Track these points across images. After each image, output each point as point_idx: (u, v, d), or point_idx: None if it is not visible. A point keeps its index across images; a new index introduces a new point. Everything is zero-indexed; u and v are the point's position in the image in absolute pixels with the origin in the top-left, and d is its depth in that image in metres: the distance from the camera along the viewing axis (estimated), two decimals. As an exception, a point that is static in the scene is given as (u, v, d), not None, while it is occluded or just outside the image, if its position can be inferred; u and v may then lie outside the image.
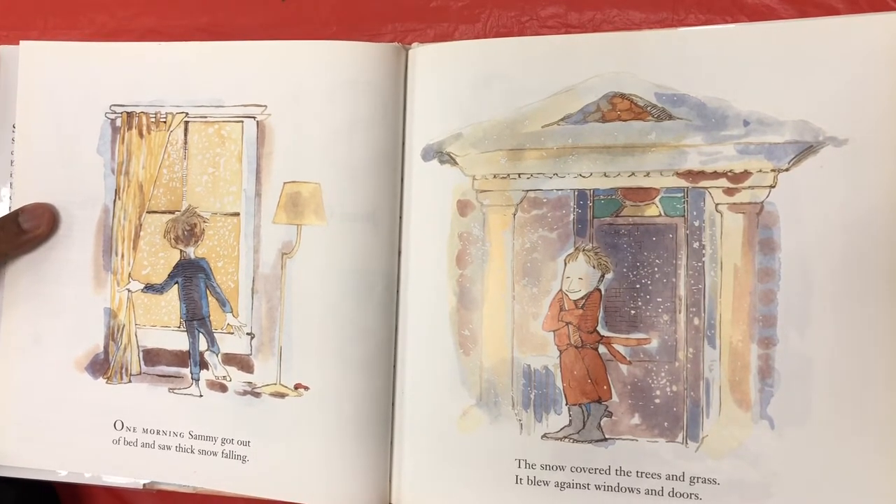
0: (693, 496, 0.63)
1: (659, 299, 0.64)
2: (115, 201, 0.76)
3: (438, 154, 0.69)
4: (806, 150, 0.61)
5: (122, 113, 0.76)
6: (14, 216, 0.74)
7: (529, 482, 0.66)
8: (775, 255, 0.62)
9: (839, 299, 0.60)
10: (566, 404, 0.66)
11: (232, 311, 0.73)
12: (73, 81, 0.76)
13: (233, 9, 0.80)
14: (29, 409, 0.76)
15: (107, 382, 0.75)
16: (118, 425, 0.75)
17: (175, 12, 0.81)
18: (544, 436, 0.66)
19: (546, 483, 0.66)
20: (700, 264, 0.63)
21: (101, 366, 0.75)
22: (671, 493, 0.63)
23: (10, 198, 0.78)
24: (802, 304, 0.61)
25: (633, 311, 0.65)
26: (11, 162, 0.79)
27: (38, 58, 0.77)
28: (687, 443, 0.63)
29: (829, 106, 0.61)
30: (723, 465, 0.62)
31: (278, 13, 0.79)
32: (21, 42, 0.78)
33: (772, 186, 0.62)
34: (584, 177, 0.65)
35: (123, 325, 0.75)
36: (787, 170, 0.61)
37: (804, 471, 0.61)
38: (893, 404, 0.59)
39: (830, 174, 0.60)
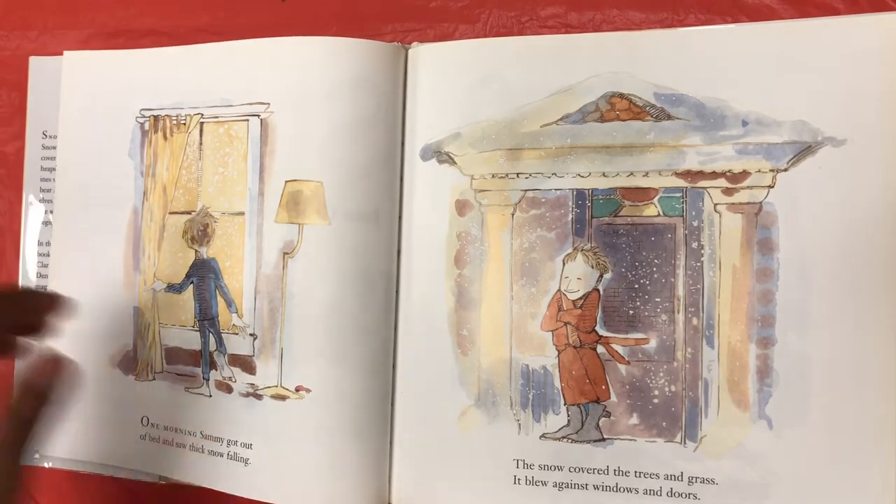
0: (692, 496, 0.63)
1: (657, 299, 0.64)
2: (143, 203, 0.77)
3: (437, 153, 0.69)
4: (804, 150, 0.61)
5: (149, 117, 0.77)
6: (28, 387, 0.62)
7: (528, 482, 0.66)
8: (773, 256, 0.61)
9: (838, 299, 0.60)
10: (564, 404, 0.66)
11: (237, 312, 0.73)
12: (110, 88, 0.79)
13: (233, 9, 0.80)
14: (71, 405, 0.77)
15: (136, 379, 0.77)
16: (144, 421, 0.76)
17: (175, 12, 0.81)
18: (542, 436, 0.66)
19: (544, 483, 0.66)
20: (699, 264, 0.63)
21: (130, 363, 0.77)
22: (669, 493, 0.63)
23: (41, 201, 0.81)
24: (801, 304, 0.61)
25: (631, 311, 0.65)
26: (41, 167, 0.81)
27: (78, 66, 0.80)
28: (685, 443, 0.63)
29: (828, 106, 0.61)
30: (721, 465, 0.62)
31: (278, 13, 0.79)
32: (64, 52, 0.80)
33: (770, 187, 0.62)
34: (582, 177, 0.65)
35: (149, 324, 0.76)
36: (785, 170, 0.61)
37: (803, 471, 0.61)
38: (892, 404, 0.59)
39: (829, 174, 0.60)
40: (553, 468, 0.66)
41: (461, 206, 0.68)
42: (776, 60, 0.62)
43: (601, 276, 0.65)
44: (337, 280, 0.69)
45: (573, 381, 0.65)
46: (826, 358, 0.60)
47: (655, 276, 0.64)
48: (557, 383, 0.66)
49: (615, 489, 0.64)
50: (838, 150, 0.60)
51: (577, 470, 0.65)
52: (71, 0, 0.84)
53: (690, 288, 0.63)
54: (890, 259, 0.59)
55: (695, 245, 0.63)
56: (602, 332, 0.65)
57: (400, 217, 0.71)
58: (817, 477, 0.60)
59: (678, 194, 0.64)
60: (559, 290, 0.66)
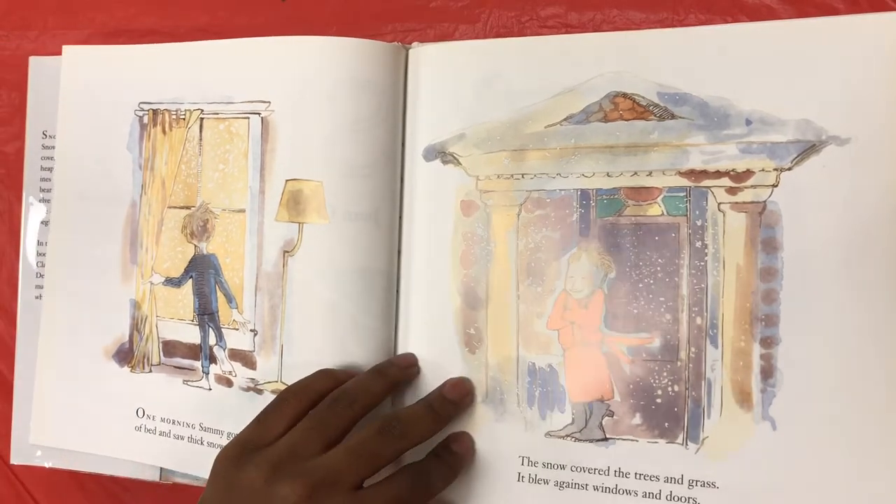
0: (691, 500, 0.63)
1: (661, 298, 0.64)
2: (141, 196, 0.77)
3: (441, 154, 0.69)
4: (808, 149, 0.61)
5: (148, 111, 0.77)
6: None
7: (531, 480, 0.66)
8: (777, 255, 0.61)
9: (843, 299, 0.60)
10: (569, 402, 0.66)
11: (237, 308, 0.73)
12: (109, 82, 0.79)
13: (233, 9, 0.80)
14: (64, 395, 0.79)
15: (131, 371, 0.77)
16: (140, 413, 0.77)
17: (175, 12, 0.82)
18: (548, 434, 0.66)
19: (546, 482, 0.66)
20: (702, 263, 0.63)
21: (126, 355, 0.78)
22: (669, 497, 0.63)
23: (41, 201, 0.82)
24: (805, 303, 0.61)
25: (635, 311, 0.64)
26: (41, 167, 0.82)
27: (77, 62, 0.80)
28: (687, 444, 0.63)
29: (831, 105, 0.60)
30: (723, 466, 0.62)
31: (278, 13, 0.79)
32: (63, 47, 0.80)
33: (774, 186, 0.61)
34: (586, 177, 0.65)
35: (146, 317, 0.77)
36: (789, 169, 0.61)
37: (806, 472, 0.60)
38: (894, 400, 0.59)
39: (833, 173, 0.60)
40: (556, 466, 0.66)
41: (466, 207, 0.68)
42: (780, 59, 0.62)
43: (605, 275, 0.65)
44: (336, 279, 0.69)
45: (578, 379, 0.66)
46: (830, 358, 0.60)
47: (659, 275, 0.64)
48: (563, 381, 0.66)
49: (614, 490, 0.64)
50: (842, 148, 0.60)
51: (579, 469, 0.65)
52: (70, 0, 0.84)
53: (694, 287, 0.63)
54: (895, 258, 0.59)
55: (698, 244, 0.63)
56: (606, 331, 0.65)
57: (402, 217, 0.71)
58: (820, 478, 0.60)
59: (682, 193, 0.63)
60: (564, 289, 0.66)
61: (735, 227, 0.62)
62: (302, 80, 0.71)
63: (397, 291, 0.71)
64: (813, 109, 0.61)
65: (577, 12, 0.73)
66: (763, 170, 0.62)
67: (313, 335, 0.70)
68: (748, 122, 0.62)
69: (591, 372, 0.65)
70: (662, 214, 0.64)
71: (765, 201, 0.62)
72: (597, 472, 0.65)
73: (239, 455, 0.60)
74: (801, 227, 0.61)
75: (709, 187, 0.63)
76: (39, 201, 0.82)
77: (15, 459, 0.81)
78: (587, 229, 0.66)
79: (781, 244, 0.61)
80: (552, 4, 0.73)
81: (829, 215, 0.60)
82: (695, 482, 0.63)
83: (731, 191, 0.62)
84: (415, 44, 0.71)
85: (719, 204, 0.63)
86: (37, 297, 0.81)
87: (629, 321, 0.65)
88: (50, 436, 0.80)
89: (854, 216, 0.60)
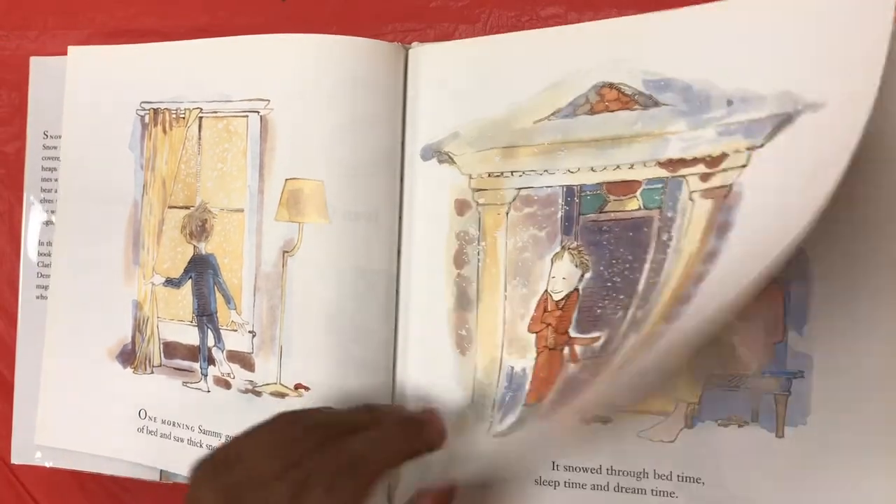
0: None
1: (621, 297, 0.61)
2: (143, 196, 0.78)
3: (437, 153, 0.69)
4: (783, 121, 0.56)
5: (150, 110, 0.78)
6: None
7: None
8: (726, 236, 0.57)
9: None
10: (522, 406, 0.64)
11: (236, 308, 0.73)
12: (113, 82, 0.79)
13: (233, 9, 0.80)
14: (69, 396, 0.80)
15: (133, 372, 0.78)
16: (142, 414, 0.77)
17: (175, 12, 0.82)
18: (496, 434, 0.65)
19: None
20: (663, 257, 0.60)
21: (128, 356, 0.78)
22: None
23: (42, 201, 0.83)
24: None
25: (598, 311, 0.62)
26: (41, 167, 0.83)
27: (82, 61, 0.81)
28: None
29: (808, 72, 0.56)
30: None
31: (278, 13, 0.79)
32: (69, 47, 0.81)
33: (743, 166, 0.58)
34: (572, 172, 0.64)
35: (148, 318, 0.77)
36: (761, 146, 0.57)
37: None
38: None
39: (803, 144, 0.55)
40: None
41: (460, 206, 0.68)
42: (758, 33, 0.58)
43: (582, 275, 0.63)
44: (337, 279, 0.69)
45: (537, 382, 0.64)
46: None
47: (626, 272, 0.61)
48: (527, 385, 0.65)
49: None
50: (816, 115, 0.55)
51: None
52: (70, 0, 0.85)
53: (649, 282, 0.60)
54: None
55: (665, 237, 0.60)
56: (573, 333, 0.63)
57: (400, 217, 0.71)
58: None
59: (659, 185, 0.61)
60: (547, 290, 0.65)
61: (699, 214, 0.59)
62: (301, 78, 0.71)
63: (397, 291, 0.71)
64: (791, 77, 0.57)
65: (576, 12, 0.72)
66: (736, 151, 0.58)
67: (313, 336, 0.70)
68: (729, 103, 0.58)
69: (545, 375, 0.64)
70: (639, 209, 0.62)
71: (731, 184, 0.58)
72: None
73: (213, 471, 0.54)
74: (758, 206, 0.56)
75: (684, 176, 0.60)
76: (40, 202, 0.83)
77: (15, 459, 0.82)
78: (570, 227, 0.64)
79: (732, 224, 0.57)
80: (552, 4, 0.73)
81: (801, 192, 0.53)
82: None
83: (704, 177, 0.59)
84: (415, 44, 0.71)
85: (691, 193, 0.60)
86: (37, 298, 0.82)
87: (591, 322, 0.63)
88: (55, 436, 0.80)
89: (819, 184, 0.52)
